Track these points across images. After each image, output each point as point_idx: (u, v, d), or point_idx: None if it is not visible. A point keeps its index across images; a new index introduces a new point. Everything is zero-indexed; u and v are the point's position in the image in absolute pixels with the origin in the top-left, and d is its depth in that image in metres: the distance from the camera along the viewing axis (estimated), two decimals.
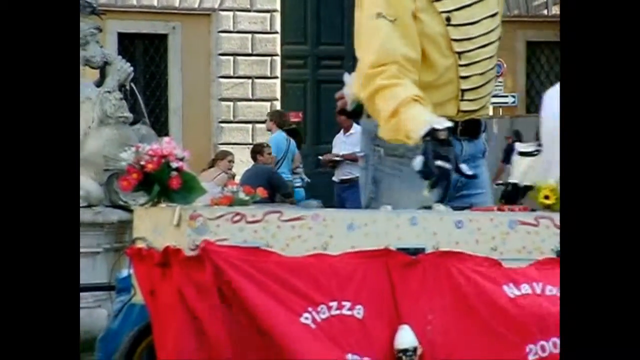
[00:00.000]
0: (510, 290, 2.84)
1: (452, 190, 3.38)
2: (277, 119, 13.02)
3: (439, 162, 3.03)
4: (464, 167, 3.12)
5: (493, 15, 3.41)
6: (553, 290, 2.84)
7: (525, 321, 2.81)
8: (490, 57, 3.42)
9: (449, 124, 3.09)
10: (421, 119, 3.12)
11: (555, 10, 17.43)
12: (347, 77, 3.53)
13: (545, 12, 17.46)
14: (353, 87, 3.44)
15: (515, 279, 2.84)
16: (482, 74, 3.39)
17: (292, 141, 12.75)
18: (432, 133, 3.06)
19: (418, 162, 3.06)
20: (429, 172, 3.03)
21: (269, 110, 15.99)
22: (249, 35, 15.96)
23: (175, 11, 15.74)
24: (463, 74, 3.36)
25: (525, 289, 2.84)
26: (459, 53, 3.33)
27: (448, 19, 3.30)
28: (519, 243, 2.91)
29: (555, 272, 2.85)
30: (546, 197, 3.03)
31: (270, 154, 12.09)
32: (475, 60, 3.36)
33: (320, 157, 13.08)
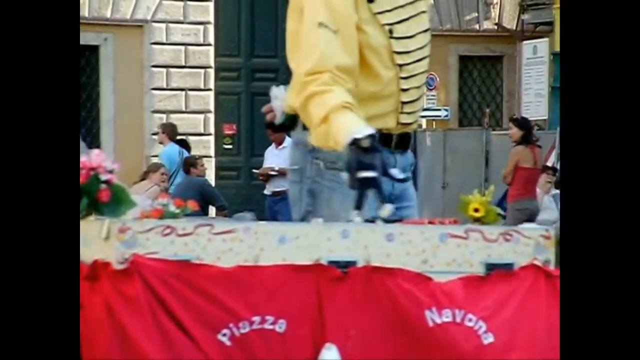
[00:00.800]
0: (432, 316, 2.84)
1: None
2: (170, 132, 12.97)
3: (362, 174, 3.05)
4: (394, 171, 3.14)
5: (426, 31, 3.48)
6: (472, 321, 2.86)
7: (441, 353, 2.83)
8: (424, 72, 3.48)
9: (371, 130, 3.10)
10: (347, 127, 3.14)
11: (487, 25, 17.62)
12: (275, 90, 3.53)
13: (477, 26, 17.65)
14: (288, 98, 3.44)
15: (439, 301, 2.85)
16: (418, 87, 3.46)
17: (185, 153, 12.72)
18: (354, 142, 3.08)
19: (344, 177, 3.08)
20: (352, 186, 3.05)
21: (202, 123, 15.97)
22: (182, 47, 15.91)
23: (107, 22, 15.64)
24: (403, 86, 3.41)
25: (447, 315, 2.85)
26: (400, 65, 3.37)
27: (390, 32, 3.35)
28: (449, 256, 2.92)
29: (479, 292, 2.87)
30: (476, 210, 3.06)
31: (203, 165, 12.05)
32: (413, 73, 3.41)
33: (254, 170, 13.08)
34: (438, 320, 2.84)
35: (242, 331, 2.75)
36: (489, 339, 2.86)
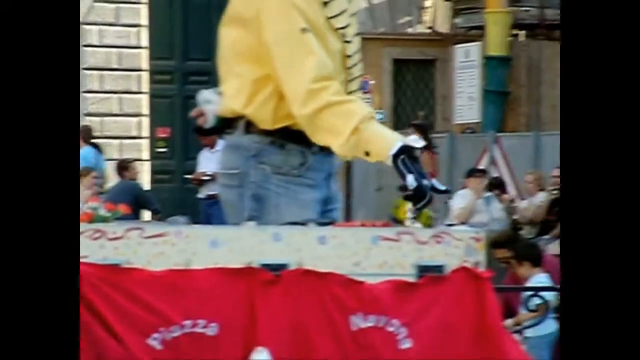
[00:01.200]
0: (356, 322, 2.87)
1: (323, 206, 3.40)
2: (85, 134, 12.88)
3: (425, 182, 3.08)
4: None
5: (358, 34, 3.48)
6: (394, 326, 2.89)
7: (357, 356, 2.85)
8: (360, 75, 3.48)
9: (423, 142, 3.12)
10: (388, 137, 3.15)
11: (420, 28, 17.71)
12: (206, 94, 3.50)
13: (410, 30, 17.73)
14: (230, 103, 3.39)
15: (367, 306, 2.88)
16: (356, 90, 3.45)
17: (101, 156, 12.64)
18: (408, 151, 3.09)
19: (411, 181, 3.07)
20: (424, 192, 3.06)
21: (136, 126, 15.85)
22: (116, 50, 15.78)
23: None
24: (349, 89, 3.40)
25: (371, 320, 2.88)
26: (349, 68, 3.38)
27: (344, 35, 3.35)
28: (381, 258, 2.94)
29: (407, 297, 2.90)
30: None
31: (135, 169, 11.96)
32: (354, 76, 3.42)
33: (187, 176, 13.02)
34: (362, 325, 2.86)
35: (173, 335, 2.74)
36: (406, 344, 2.88)
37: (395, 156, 3.11)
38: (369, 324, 2.86)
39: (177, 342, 2.73)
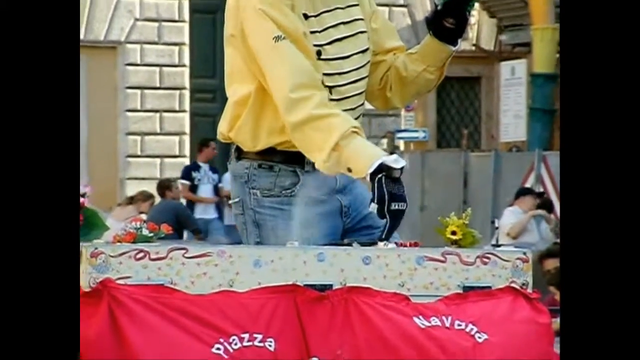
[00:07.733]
0: (420, 322, 2.83)
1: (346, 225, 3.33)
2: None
3: (395, 206, 2.99)
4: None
5: (364, 52, 3.35)
6: (462, 325, 2.85)
7: (437, 352, 2.80)
8: (361, 93, 3.34)
9: (404, 162, 3.05)
10: (368, 154, 3.07)
11: (464, 46, 17.66)
12: None
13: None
14: (221, 125, 3.34)
15: (423, 312, 2.85)
16: (353, 109, 3.31)
17: None
18: (386, 170, 3.01)
19: (372, 208, 3.00)
20: (383, 217, 2.99)
21: (177, 145, 15.91)
22: (157, 69, 15.86)
23: (80, 44, 15.59)
24: (343, 94, 3.28)
25: (435, 321, 2.84)
26: (330, 87, 3.26)
27: (319, 53, 3.24)
28: (426, 279, 2.90)
29: (463, 307, 2.85)
30: (453, 233, 3.03)
31: (178, 188, 12.00)
32: (346, 95, 3.28)
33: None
34: (428, 324, 2.82)
35: (235, 347, 2.71)
36: (483, 336, 2.83)
37: (373, 174, 3.02)
38: (435, 324, 2.81)
39: (242, 354, 2.71)
